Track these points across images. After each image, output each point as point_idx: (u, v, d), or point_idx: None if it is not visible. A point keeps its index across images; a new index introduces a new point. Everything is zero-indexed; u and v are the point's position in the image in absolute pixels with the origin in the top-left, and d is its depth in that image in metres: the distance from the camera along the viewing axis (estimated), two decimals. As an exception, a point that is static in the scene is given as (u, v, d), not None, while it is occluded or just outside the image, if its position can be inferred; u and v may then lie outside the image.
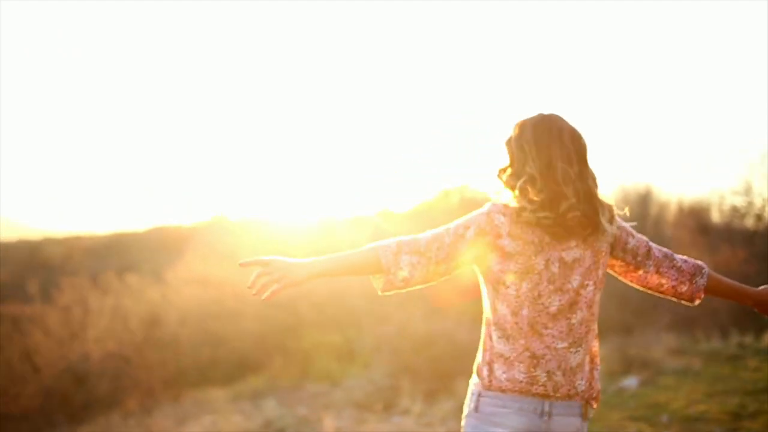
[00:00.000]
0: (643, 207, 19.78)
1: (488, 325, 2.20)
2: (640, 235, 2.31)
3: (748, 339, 9.95)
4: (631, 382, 7.89)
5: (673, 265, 2.30)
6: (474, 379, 2.23)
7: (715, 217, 19.11)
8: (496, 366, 2.15)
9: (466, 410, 2.22)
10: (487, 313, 2.21)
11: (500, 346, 2.15)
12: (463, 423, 2.23)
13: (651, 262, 2.29)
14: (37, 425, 12.83)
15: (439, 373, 9.56)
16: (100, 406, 12.78)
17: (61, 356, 13.62)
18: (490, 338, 2.19)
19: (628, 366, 8.63)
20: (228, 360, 15.68)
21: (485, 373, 2.17)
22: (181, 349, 15.81)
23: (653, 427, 6.24)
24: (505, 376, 2.13)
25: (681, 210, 19.31)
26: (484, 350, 2.21)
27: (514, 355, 2.13)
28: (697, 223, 17.30)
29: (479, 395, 2.18)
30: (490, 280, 2.17)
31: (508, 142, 2.22)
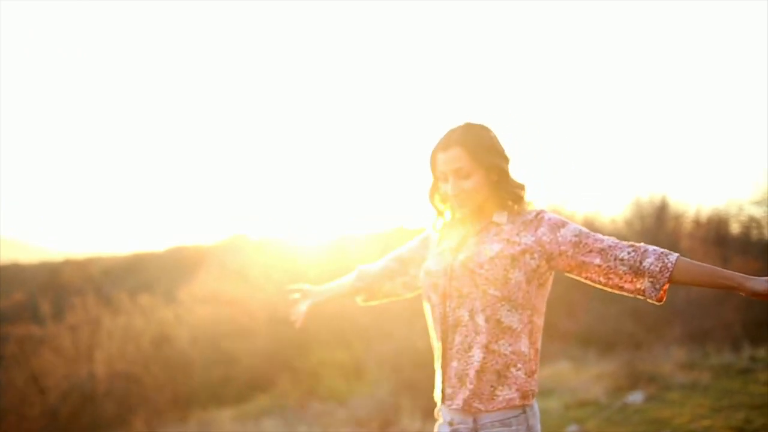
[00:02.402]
0: (659, 219, 19.49)
1: (533, 334, 2.17)
2: None
3: (761, 352, 9.67)
4: (636, 397, 7.66)
5: None
6: (525, 400, 2.14)
7: (734, 228, 18.77)
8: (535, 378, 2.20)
9: None
10: (527, 323, 2.14)
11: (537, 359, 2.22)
12: None
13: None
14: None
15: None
16: (107, 426, 12.74)
17: (68, 376, 13.62)
18: (538, 351, 2.20)
19: (635, 381, 8.40)
20: (239, 379, 15.60)
21: (534, 386, 2.20)
22: (192, 368, 15.76)
23: (654, 444, 6.04)
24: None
25: (698, 222, 18.99)
26: (531, 361, 2.17)
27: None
28: (713, 235, 16.98)
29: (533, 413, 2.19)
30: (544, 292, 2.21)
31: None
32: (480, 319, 2.09)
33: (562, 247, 2.13)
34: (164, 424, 12.47)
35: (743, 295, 2.02)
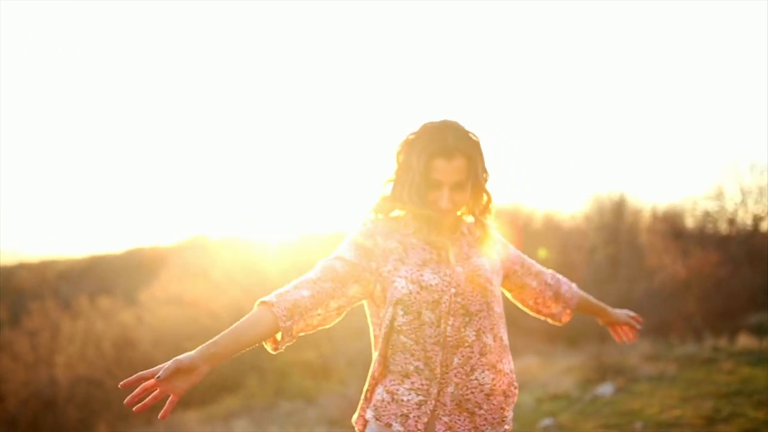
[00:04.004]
0: (617, 215, 19.89)
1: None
2: None
3: (723, 342, 9.93)
4: (605, 389, 7.79)
5: None
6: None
7: (689, 222, 19.29)
8: None
9: None
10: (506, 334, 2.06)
11: None
12: None
13: None
14: (4, 454, 12.47)
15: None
16: (70, 431, 12.46)
17: (27, 382, 13.28)
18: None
19: (603, 373, 8.55)
20: (204, 381, 15.38)
21: None
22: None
23: (627, 435, 6.14)
24: None
25: (655, 216, 19.44)
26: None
27: None
28: (671, 229, 17.40)
29: None
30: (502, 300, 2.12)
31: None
32: (488, 339, 1.94)
33: (515, 266, 2.15)
34: (129, 429, 12.25)
35: (601, 323, 2.44)
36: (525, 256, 2.20)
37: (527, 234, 19.74)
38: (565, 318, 2.30)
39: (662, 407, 6.71)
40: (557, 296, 2.25)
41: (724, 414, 6.16)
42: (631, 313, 2.42)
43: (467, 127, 1.98)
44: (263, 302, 1.83)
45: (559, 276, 2.28)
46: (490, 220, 2.08)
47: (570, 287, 2.28)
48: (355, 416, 1.98)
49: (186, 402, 13.98)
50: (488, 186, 2.02)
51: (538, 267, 2.24)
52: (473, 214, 2.06)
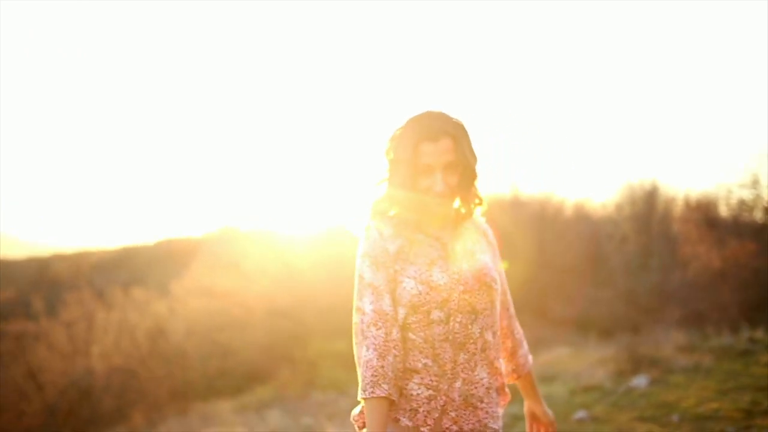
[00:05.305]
0: (649, 203, 19.62)
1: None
2: None
3: (759, 333, 9.77)
4: (640, 381, 7.71)
5: None
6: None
7: (723, 211, 18.96)
8: None
9: None
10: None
11: None
12: None
13: None
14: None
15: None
16: (106, 420, 12.71)
17: (65, 372, 13.56)
18: None
19: (637, 365, 8.45)
20: (236, 371, 15.60)
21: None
22: (188, 361, 15.75)
23: (663, 427, 6.07)
24: None
25: (688, 205, 19.14)
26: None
27: None
28: (704, 218, 17.12)
29: None
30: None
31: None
32: (489, 335, 1.97)
33: (503, 284, 2.11)
34: (164, 418, 12.45)
35: (525, 409, 2.23)
36: (507, 289, 2.14)
37: (557, 224, 19.57)
38: (507, 380, 2.14)
39: (699, 400, 6.62)
40: (513, 354, 2.17)
41: (764, 407, 6.06)
42: (552, 417, 2.22)
43: (451, 114, 1.98)
44: (382, 397, 1.80)
45: (524, 341, 2.20)
46: (482, 213, 2.07)
47: (528, 357, 2.19)
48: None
49: (219, 392, 14.16)
50: (478, 170, 1.99)
51: (513, 311, 2.16)
52: (465, 202, 2.01)
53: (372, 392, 1.80)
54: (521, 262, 15.39)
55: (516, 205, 19.47)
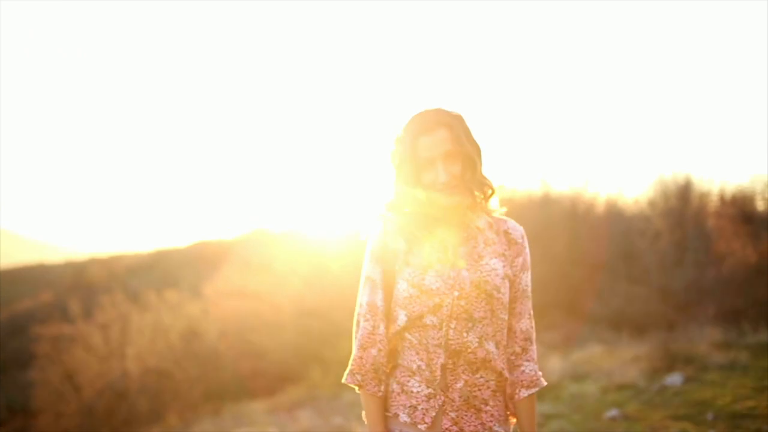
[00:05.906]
0: (683, 198, 19.31)
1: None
2: None
3: (798, 330, 9.56)
4: (674, 379, 7.58)
5: None
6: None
7: (759, 205, 18.56)
8: None
9: None
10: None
11: None
12: None
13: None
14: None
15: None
16: (141, 421, 12.90)
17: (101, 373, 13.80)
18: None
19: (671, 362, 8.31)
20: (268, 371, 15.72)
21: None
22: (221, 362, 15.91)
23: (698, 426, 5.97)
24: None
25: (723, 200, 18.78)
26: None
27: None
28: (740, 213, 16.80)
29: None
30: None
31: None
32: (490, 346, 1.90)
33: (517, 292, 2.00)
34: (198, 418, 12.60)
35: None
36: (529, 297, 2.02)
37: (589, 220, 19.36)
38: (509, 396, 1.99)
39: (735, 397, 6.50)
40: (512, 367, 1.99)
41: (801, 405, 5.93)
42: None
43: (448, 107, 1.97)
44: (371, 390, 1.92)
45: (533, 362, 2.01)
46: (496, 204, 2.02)
47: (539, 376, 1.99)
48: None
49: (252, 393, 14.28)
50: (483, 160, 1.96)
51: (528, 323, 2.00)
52: (474, 202, 1.96)
53: (347, 380, 1.94)
54: (553, 259, 15.26)
55: (547, 202, 19.30)
